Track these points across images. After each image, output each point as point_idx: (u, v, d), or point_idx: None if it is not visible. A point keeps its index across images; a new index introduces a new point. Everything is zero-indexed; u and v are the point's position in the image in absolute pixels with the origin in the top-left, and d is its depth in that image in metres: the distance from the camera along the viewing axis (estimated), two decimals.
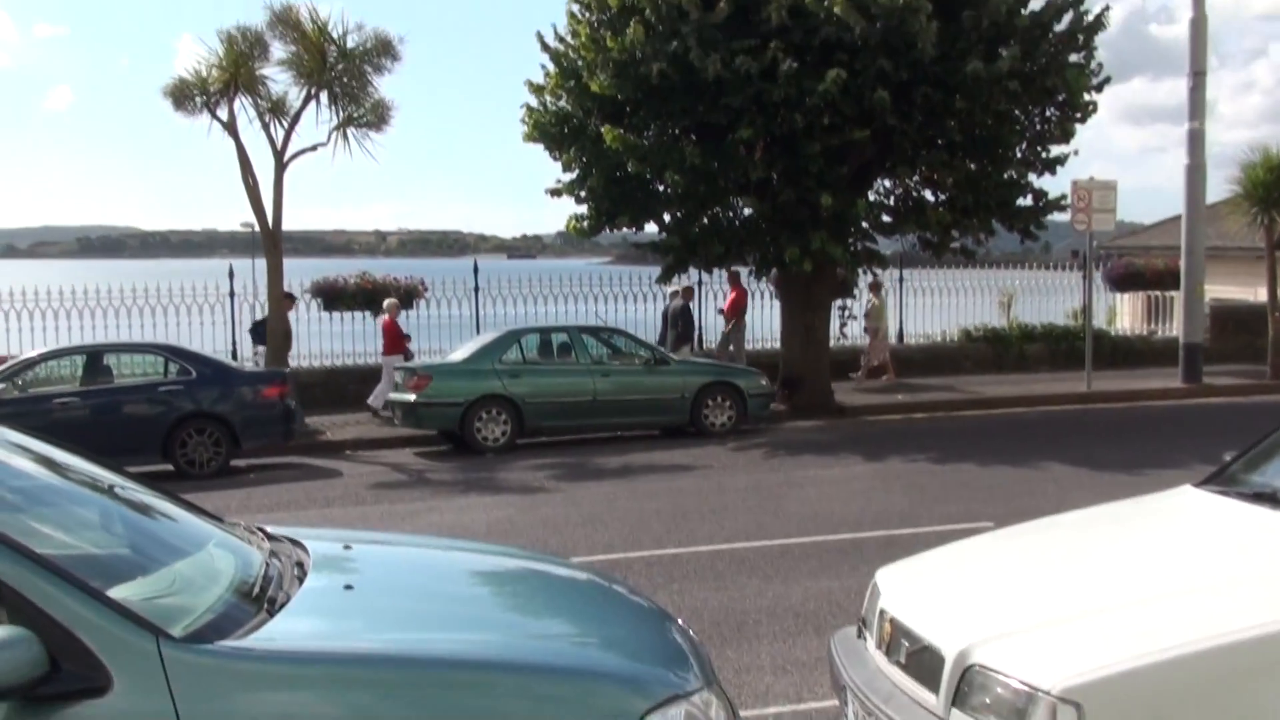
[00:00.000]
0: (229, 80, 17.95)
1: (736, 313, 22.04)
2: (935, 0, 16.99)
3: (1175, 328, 23.86)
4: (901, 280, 25.04)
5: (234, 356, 21.05)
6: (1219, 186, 23.97)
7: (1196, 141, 21.33)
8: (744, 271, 21.34)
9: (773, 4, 17.26)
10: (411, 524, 11.89)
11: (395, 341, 19.99)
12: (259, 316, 19.96)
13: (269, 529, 4.60)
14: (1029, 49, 18.10)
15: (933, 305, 25.49)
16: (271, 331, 18.70)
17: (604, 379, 17.66)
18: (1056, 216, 20.73)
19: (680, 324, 21.22)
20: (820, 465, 14.84)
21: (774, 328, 22.60)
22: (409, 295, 21.94)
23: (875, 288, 22.78)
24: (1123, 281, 26.67)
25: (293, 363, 19.39)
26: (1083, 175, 21.09)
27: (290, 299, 20.09)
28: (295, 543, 4.41)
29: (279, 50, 18.31)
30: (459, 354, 18.04)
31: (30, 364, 16.20)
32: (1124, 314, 28.12)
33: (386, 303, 20.47)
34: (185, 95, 18.14)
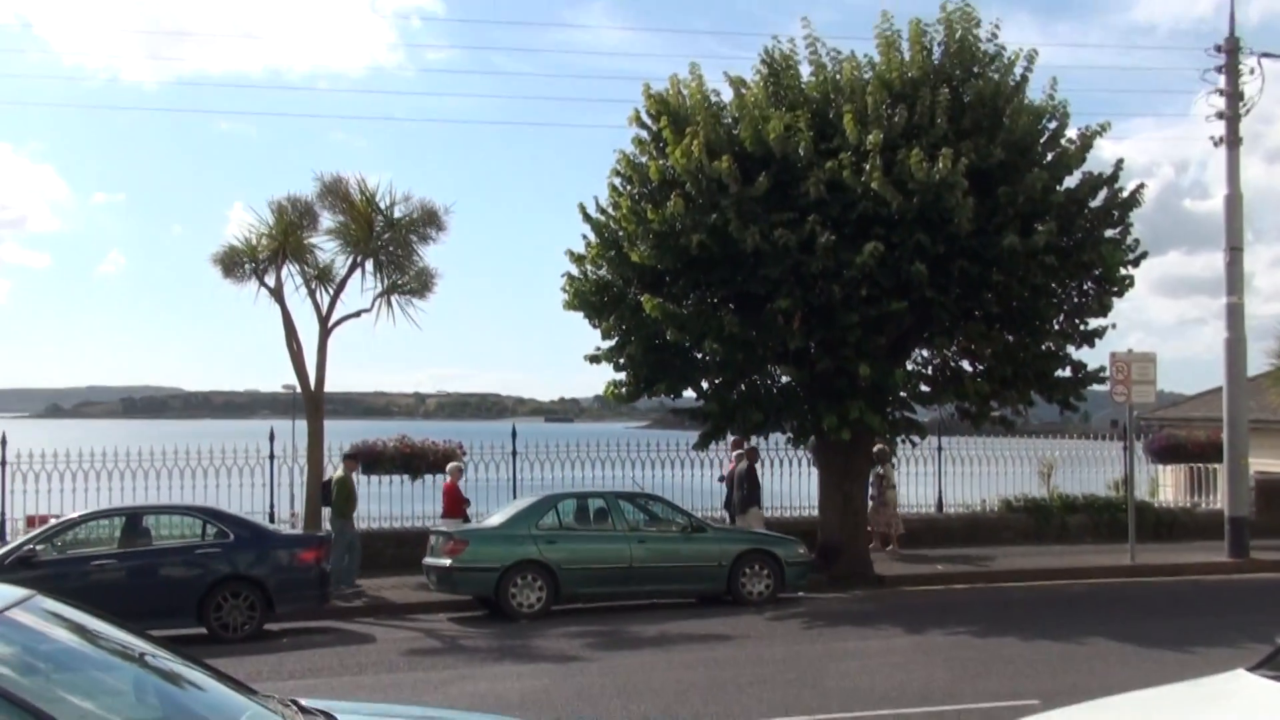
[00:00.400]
0: (278, 248, 18.40)
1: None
2: (971, 176, 17.31)
3: (1219, 500, 23.54)
4: (940, 449, 24.89)
5: (271, 519, 21.10)
6: (1259, 359, 23.95)
7: (1236, 315, 21.37)
8: (766, 441, 21.16)
9: (811, 179, 17.62)
10: (443, 693, 11.71)
11: (455, 505, 20.01)
12: (326, 477, 20.04)
13: (302, 701, 4.55)
14: (1065, 224, 18.34)
15: (972, 474, 25.27)
16: (310, 496, 18.77)
17: (641, 545, 17.53)
18: (1096, 386, 20.69)
19: (746, 486, 20.96)
20: (859, 637, 14.57)
21: (810, 495, 22.43)
22: (448, 459, 22.00)
23: (882, 458, 21.98)
24: (1164, 453, 26.40)
25: (326, 525, 19.38)
26: (1121, 347, 21.13)
27: (353, 460, 20.16)
28: (328, 716, 4.36)
29: (327, 219, 18.82)
30: (495, 519, 18.00)
31: (70, 525, 16.29)
32: (1167, 486, 27.75)
33: (450, 466, 20.65)
34: (235, 262, 18.59)
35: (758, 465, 21.62)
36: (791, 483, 23.51)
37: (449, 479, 20.41)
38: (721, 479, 22.23)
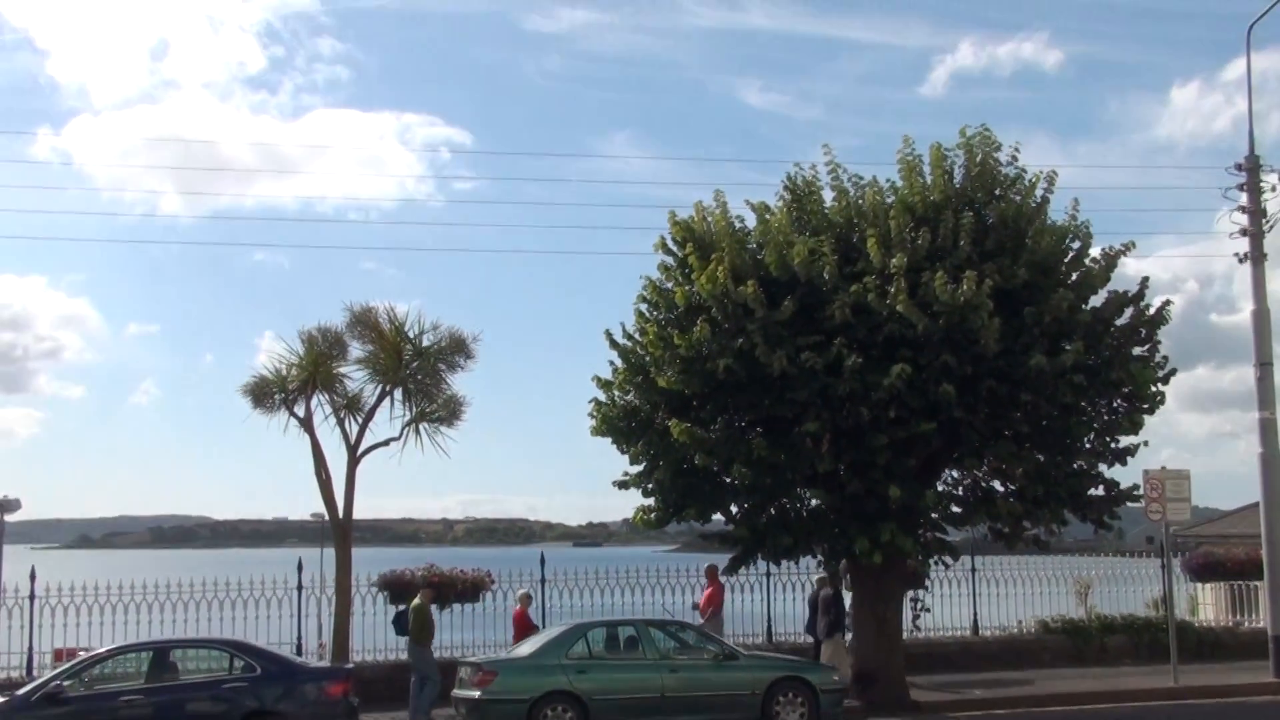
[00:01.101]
0: (307, 379, 18.57)
1: (712, 606, 21.49)
2: (996, 297, 17.36)
3: (1262, 619, 23.07)
4: (974, 570, 24.57)
5: (299, 650, 20.89)
6: None
7: (1269, 431, 21.19)
8: (720, 565, 20.83)
9: (836, 302, 17.71)
10: None
11: (525, 632, 19.79)
12: (401, 607, 19.77)
13: None
14: (1092, 343, 18.32)
15: (1007, 595, 24.91)
16: (339, 627, 18.64)
17: (673, 675, 17.27)
18: (1130, 503, 20.44)
19: (833, 611, 20.58)
20: None
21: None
22: (476, 587, 21.82)
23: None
24: (1203, 571, 26.00)
25: (356, 657, 19.17)
26: (1154, 463, 20.90)
27: (431, 590, 19.89)
28: None
29: (357, 349, 19.03)
30: (525, 648, 17.79)
31: (97, 660, 16.15)
32: (1207, 604, 27.24)
33: (519, 594, 20.59)
34: (265, 393, 18.75)
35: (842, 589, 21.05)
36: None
37: (518, 606, 20.38)
38: (812, 603, 21.73)
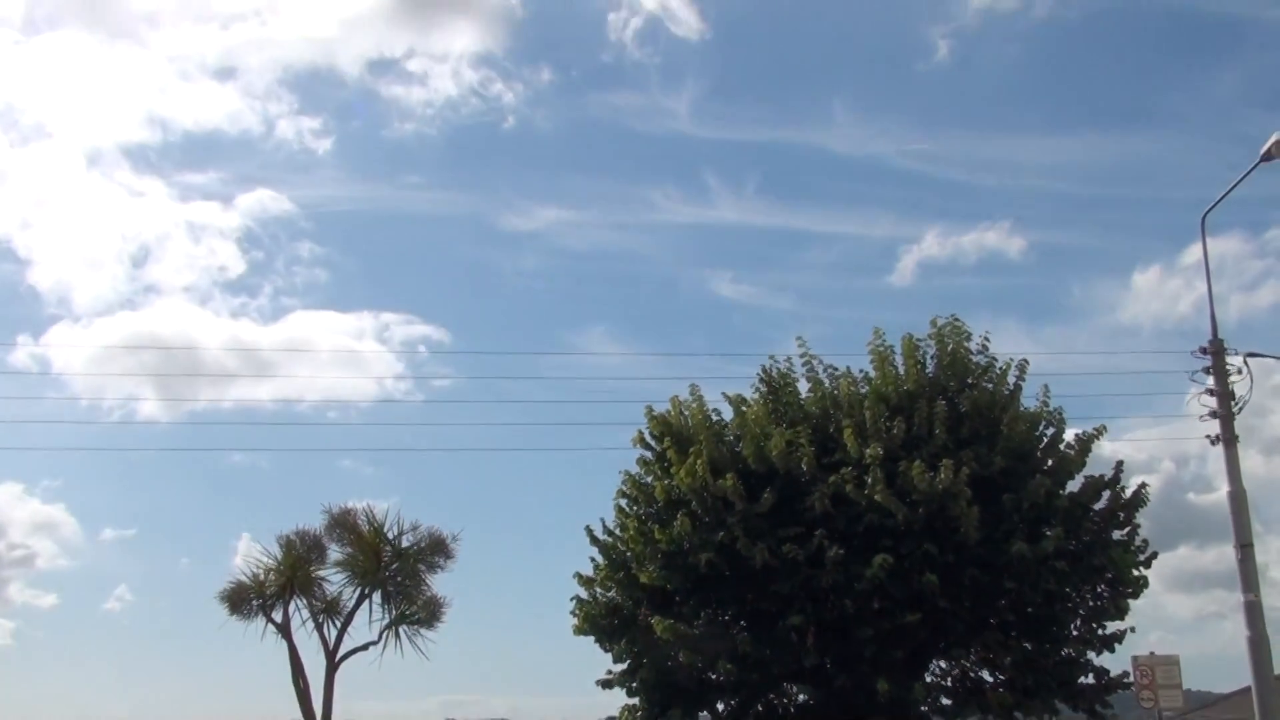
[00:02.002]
0: (285, 583, 18.39)
1: None
2: (974, 485, 17.45)
3: None
4: None
5: None
6: None
7: (1254, 614, 20.96)
8: None
9: (815, 493, 17.76)
10: None
11: None
12: None
13: None
14: (1072, 529, 18.35)
15: None
16: None
17: None
18: (1121, 689, 20.16)
19: None
20: None
21: None
22: None
23: None
24: None
25: None
26: (1141, 647, 20.73)
27: None
28: None
29: (335, 552, 18.88)
30: None
31: None
32: None
33: None
34: (242, 599, 18.54)
35: None
36: None
37: None
38: None
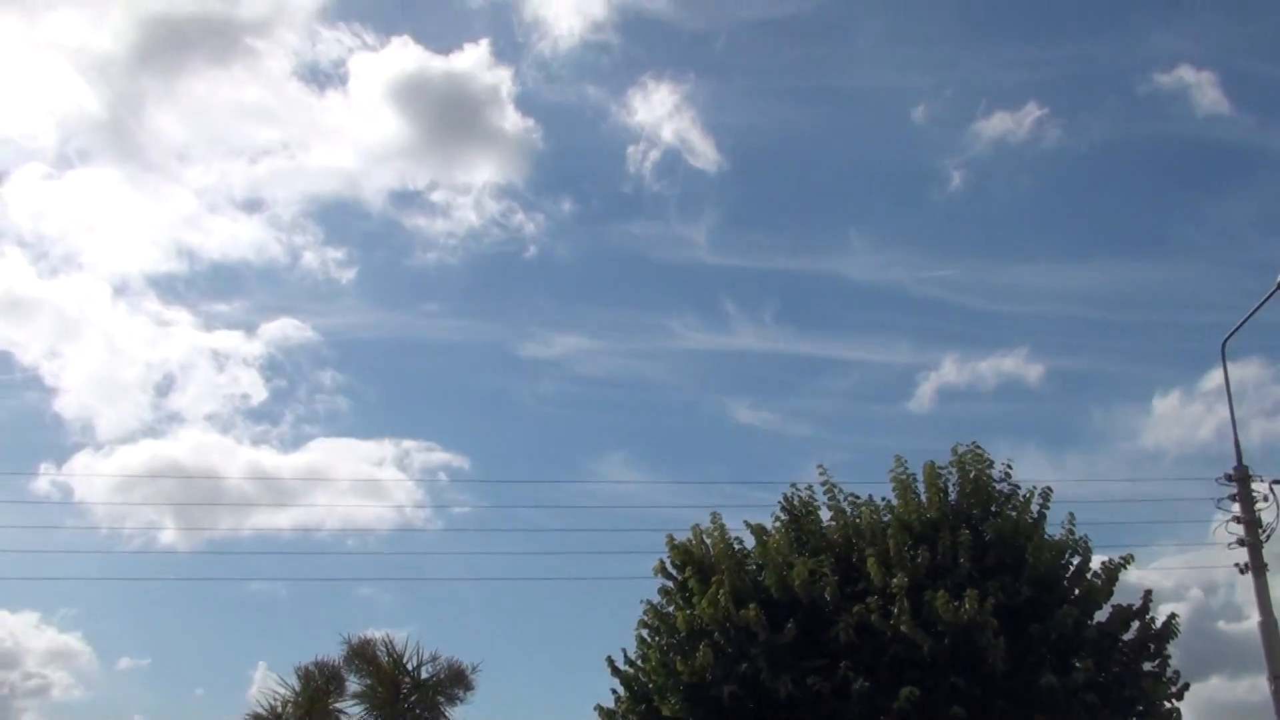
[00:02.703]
0: (303, 715, 18.18)
1: None
2: (1000, 615, 17.22)
3: None
4: None
5: None
6: None
7: None
8: None
9: (839, 623, 17.55)
10: None
11: None
12: None
13: None
14: (1101, 660, 18.04)
15: None
16: None
17: None
18: None
19: None
20: None
21: None
22: None
23: None
24: None
25: None
26: None
27: None
28: None
29: (354, 683, 18.70)
30: None
31: None
32: None
33: None
34: None
35: None
36: None
37: None
38: None
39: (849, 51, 71.70)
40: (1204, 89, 64.13)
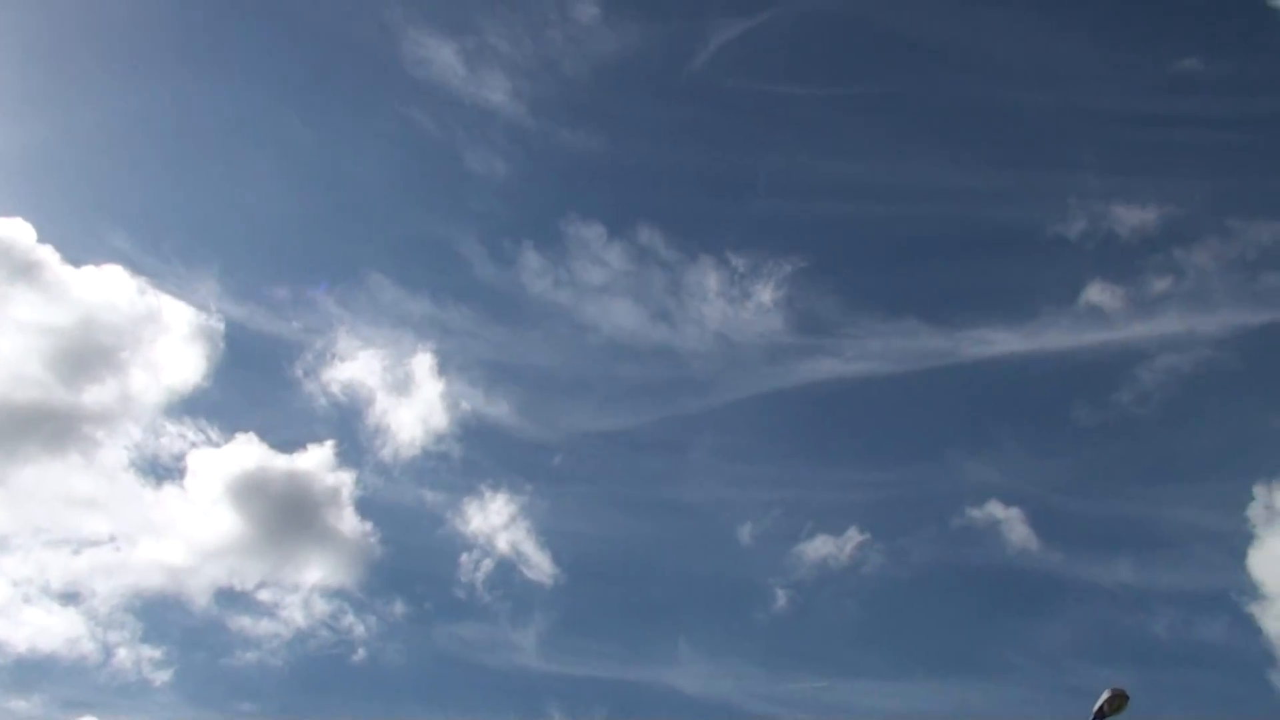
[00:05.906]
0: None
1: None
2: None
3: None
4: None
5: None
6: None
7: None
8: None
9: None
10: None
11: None
12: None
13: None
14: None
15: None
16: None
17: None
18: None
19: None
20: None
21: None
22: None
23: None
24: None
25: None
26: None
27: None
28: None
29: None
30: None
31: None
32: None
33: None
34: None
35: None
36: None
37: None
38: None
39: (681, 465, 74.30)
40: (1013, 524, 67.46)
